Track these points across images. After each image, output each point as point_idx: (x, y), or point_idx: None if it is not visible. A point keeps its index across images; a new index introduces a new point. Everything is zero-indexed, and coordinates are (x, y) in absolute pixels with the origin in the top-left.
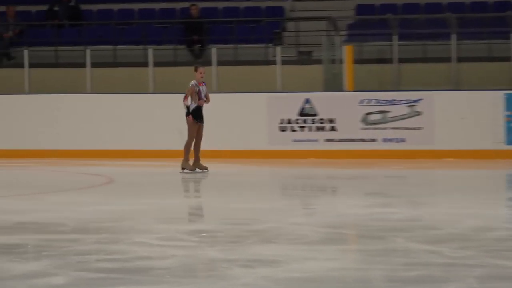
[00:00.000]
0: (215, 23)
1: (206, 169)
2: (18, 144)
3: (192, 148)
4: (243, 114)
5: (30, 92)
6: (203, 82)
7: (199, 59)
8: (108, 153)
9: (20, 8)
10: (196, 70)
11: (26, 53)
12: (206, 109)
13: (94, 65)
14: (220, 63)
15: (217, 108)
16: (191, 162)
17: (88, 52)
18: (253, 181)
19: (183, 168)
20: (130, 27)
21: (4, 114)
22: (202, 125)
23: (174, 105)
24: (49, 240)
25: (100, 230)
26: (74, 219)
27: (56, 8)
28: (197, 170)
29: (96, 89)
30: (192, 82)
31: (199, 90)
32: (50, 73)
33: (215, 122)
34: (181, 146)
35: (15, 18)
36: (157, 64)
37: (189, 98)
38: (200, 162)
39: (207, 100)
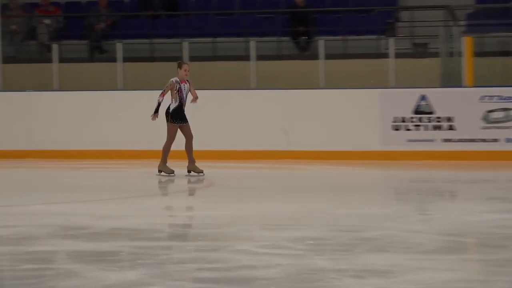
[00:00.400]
0: (322, 13)
1: (202, 172)
2: (112, 144)
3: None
4: (352, 112)
5: (124, 88)
6: (187, 80)
7: (305, 52)
8: (208, 154)
9: None
10: (180, 67)
11: (119, 46)
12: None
13: (192, 59)
14: (328, 56)
15: (325, 105)
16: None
17: (185, 45)
18: (364, 185)
19: (159, 171)
20: (230, 17)
21: (96, 112)
22: (188, 125)
23: (279, 102)
24: (145, 247)
25: (199, 237)
26: (172, 225)
27: None
28: (192, 173)
29: (195, 85)
30: (173, 79)
31: (180, 88)
32: (145, 68)
33: (322, 120)
34: (286, 147)
35: (108, 9)
36: (259, 57)
37: (166, 96)
38: (196, 164)
39: (194, 99)
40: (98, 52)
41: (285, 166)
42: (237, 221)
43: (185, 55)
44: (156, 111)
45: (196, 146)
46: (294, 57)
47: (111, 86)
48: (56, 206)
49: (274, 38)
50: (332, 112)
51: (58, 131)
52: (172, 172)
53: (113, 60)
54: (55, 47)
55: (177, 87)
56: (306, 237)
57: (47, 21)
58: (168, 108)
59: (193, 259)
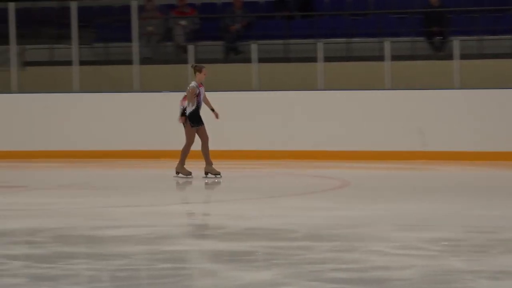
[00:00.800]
0: (457, 12)
1: (219, 174)
2: (247, 144)
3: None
4: (489, 112)
5: (259, 89)
6: (201, 84)
7: (439, 52)
8: (342, 154)
9: None
10: (200, 70)
11: (254, 47)
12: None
13: (327, 59)
14: (463, 56)
15: (460, 105)
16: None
17: (320, 45)
18: (500, 186)
19: (177, 172)
20: (364, 18)
21: (232, 112)
22: (203, 127)
23: (414, 102)
24: (279, 247)
25: (334, 238)
26: (306, 225)
27: None
28: (209, 175)
29: (329, 85)
30: (193, 83)
31: (199, 92)
32: (279, 68)
33: (457, 121)
34: (421, 147)
35: (243, 10)
36: (394, 57)
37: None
38: (213, 166)
39: (216, 115)
40: (234, 53)
41: (420, 167)
42: (371, 222)
43: (320, 55)
44: (183, 114)
45: (329, 146)
46: (429, 57)
47: (246, 86)
48: (191, 206)
49: (409, 38)
50: (468, 112)
51: None
52: (190, 174)
53: (248, 61)
54: (191, 48)
55: (197, 91)
56: (440, 238)
57: (183, 22)
58: (185, 111)
59: (327, 259)
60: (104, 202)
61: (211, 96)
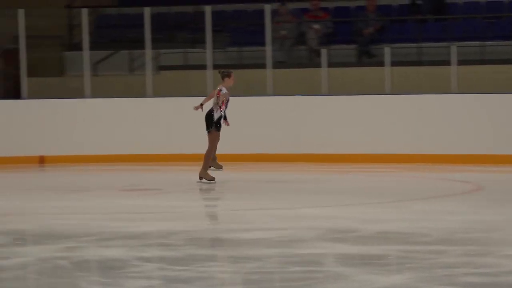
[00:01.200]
0: None
1: (221, 168)
2: (378, 148)
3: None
4: None
5: (392, 92)
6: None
7: None
8: (474, 158)
9: (382, 2)
10: (229, 76)
11: (387, 50)
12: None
13: (460, 62)
14: None
15: None
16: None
17: (453, 48)
18: None
19: (200, 178)
20: (499, 20)
21: (364, 116)
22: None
23: None
24: (412, 251)
25: (468, 241)
26: (439, 229)
27: (419, 2)
28: (212, 168)
29: (462, 89)
30: (224, 90)
31: (228, 98)
32: (412, 72)
33: None
34: None
35: (376, 13)
36: None
37: (208, 103)
38: (217, 161)
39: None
40: (366, 57)
41: None
42: (506, 226)
43: (453, 58)
44: (225, 118)
45: (461, 150)
46: None
47: (379, 90)
48: (323, 209)
49: None
50: None
51: (327, 135)
52: (213, 179)
53: (381, 64)
54: (324, 51)
55: (228, 98)
56: None
57: (316, 26)
58: (212, 116)
59: (461, 263)
60: (236, 205)
61: (345, 99)
